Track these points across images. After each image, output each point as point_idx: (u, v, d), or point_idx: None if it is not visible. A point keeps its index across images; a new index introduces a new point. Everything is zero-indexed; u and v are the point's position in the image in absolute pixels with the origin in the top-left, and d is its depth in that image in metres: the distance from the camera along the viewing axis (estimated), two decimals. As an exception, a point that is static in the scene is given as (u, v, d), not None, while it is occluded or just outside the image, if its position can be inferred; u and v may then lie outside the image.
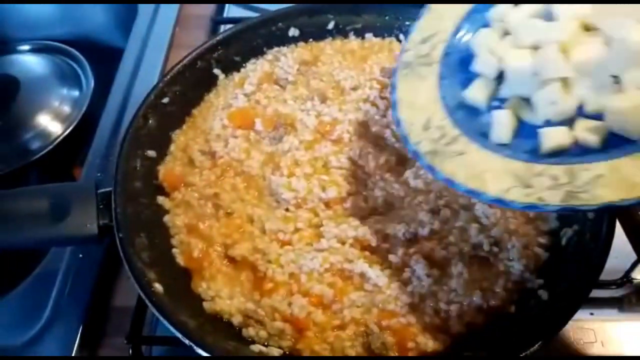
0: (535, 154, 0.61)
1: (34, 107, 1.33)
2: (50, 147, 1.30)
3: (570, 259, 0.76)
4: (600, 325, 0.83)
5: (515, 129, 0.65)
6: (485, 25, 0.73)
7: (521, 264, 0.76)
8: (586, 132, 0.58)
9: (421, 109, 0.71)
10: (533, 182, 0.58)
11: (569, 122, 0.61)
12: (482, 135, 0.66)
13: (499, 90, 0.68)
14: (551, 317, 0.69)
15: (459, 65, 0.73)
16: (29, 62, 1.44)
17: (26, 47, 1.48)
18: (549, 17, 0.66)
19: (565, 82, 0.61)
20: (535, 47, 0.65)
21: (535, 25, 0.65)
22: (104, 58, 1.43)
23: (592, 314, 0.84)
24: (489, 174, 0.60)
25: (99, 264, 0.91)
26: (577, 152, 0.59)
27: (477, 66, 0.70)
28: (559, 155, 0.60)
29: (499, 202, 0.59)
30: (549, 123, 0.63)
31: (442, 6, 0.78)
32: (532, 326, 0.70)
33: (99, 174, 1.04)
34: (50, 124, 1.33)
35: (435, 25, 0.77)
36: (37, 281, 0.90)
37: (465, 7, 0.75)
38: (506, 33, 0.69)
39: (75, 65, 1.44)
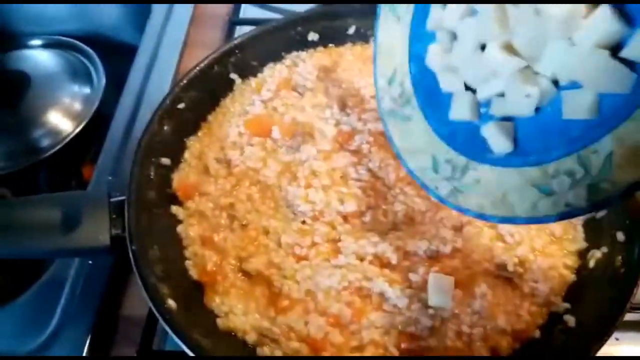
0: (541, 150, 0.57)
1: (45, 103, 1.32)
2: (60, 145, 1.28)
3: (599, 282, 0.73)
4: (626, 350, 0.81)
5: (512, 133, 0.59)
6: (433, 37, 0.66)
7: (547, 286, 0.74)
8: (573, 107, 0.52)
9: (422, 151, 0.67)
10: (553, 186, 0.54)
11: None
12: (488, 151, 0.61)
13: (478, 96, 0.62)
14: (577, 346, 0.67)
15: (433, 88, 0.67)
16: (40, 58, 1.42)
17: (38, 42, 1.46)
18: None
19: (524, 70, 0.55)
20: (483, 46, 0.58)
21: (469, 26, 0.59)
22: (115, 55, 1.40)
23: (617, 339, 0.81)
24: (511, 195, 0.57)
25: (109, 272, 0.89)
26: (579, 131, 0.53)
27: (443, 87, 0.65)
28: (565, 143, 0.54)
29: (533, 222, 0.56)
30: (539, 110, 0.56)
31: (386, 40, 0.72)
32: (558, 354, 0.68)
33: (110, 177, 1.02)
34: (61, 121, 1.31)
35: (390, 63, 0.72)
36: (45, 288, 0.88)
37: (407, 32, 0.69)
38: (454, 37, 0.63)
39: (86, 62, 1.42)
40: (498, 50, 0.56)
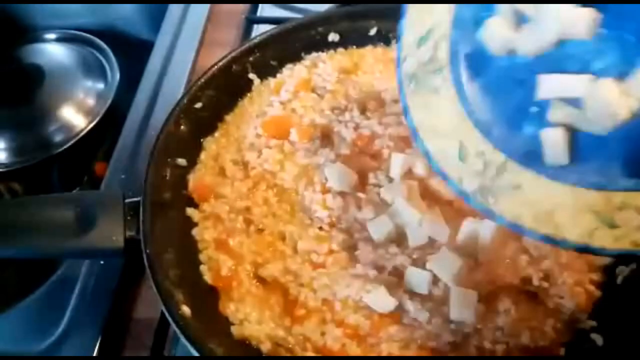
0: (606, 174, 0.49)
1: (58, 98, 1.30)
2: (73, 141, 1.27)
3: (627, 301, 0.70)
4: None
5: (570, 144, 0.50)
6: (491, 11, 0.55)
7: (572, 302, 0.71)
8: None
9: (448, 133, 0.56)
10: (617, 219, 0.47)
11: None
12: (531, 157, 0.52)
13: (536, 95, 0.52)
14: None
15: (480, 65, 0.56)
16: (55, 52, 1.41)
17: (52, 36, 1.45)
18: None
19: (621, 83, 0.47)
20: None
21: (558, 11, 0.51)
22: (130, 51, 1.39)
23: (644, 358, 0.78)
24: (561, 214, 0.50)
25: (120, 273, 0.87)
26: None
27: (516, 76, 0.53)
28: (634, 173, 0.47)
29: (584, 250, 0.49)
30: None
31: None
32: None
33: (123, 176, 1.00)
34: (74, 117, 1.30)
35: (426, 17, 0.59)
36: (55, 288, 0.86)
37: None
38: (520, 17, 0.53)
39: (100, 57, 1.41)
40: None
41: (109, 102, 1.31)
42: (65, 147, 1.27)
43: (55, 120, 1.28)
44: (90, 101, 1.32)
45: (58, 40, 1.45)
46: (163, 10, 1.31)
